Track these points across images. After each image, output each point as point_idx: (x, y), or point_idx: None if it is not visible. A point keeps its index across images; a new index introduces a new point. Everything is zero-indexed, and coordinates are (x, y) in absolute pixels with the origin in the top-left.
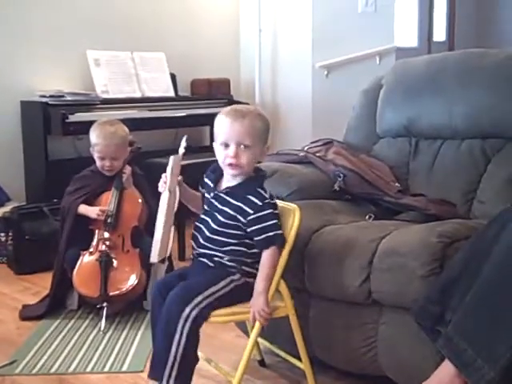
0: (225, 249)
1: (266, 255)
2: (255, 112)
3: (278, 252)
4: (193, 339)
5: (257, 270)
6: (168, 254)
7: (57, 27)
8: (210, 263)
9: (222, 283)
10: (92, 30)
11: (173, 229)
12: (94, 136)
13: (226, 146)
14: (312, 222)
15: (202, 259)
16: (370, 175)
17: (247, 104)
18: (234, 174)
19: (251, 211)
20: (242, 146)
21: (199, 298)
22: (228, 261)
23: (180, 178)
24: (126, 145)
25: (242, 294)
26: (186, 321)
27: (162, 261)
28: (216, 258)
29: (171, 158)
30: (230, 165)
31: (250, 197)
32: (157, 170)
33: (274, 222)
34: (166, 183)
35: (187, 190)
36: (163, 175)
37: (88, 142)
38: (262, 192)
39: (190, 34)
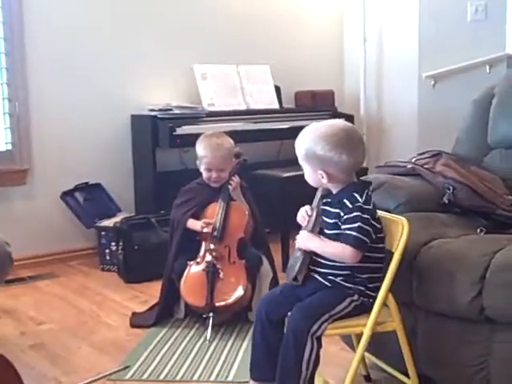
0: (337, 264)
1: (341, 244)
2: None
3: (352, 253)
4: (318, 352)
5: (372, 290)
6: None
7: (164, 43)
8: (325, 282)
9: (344, 304)
10: (198, 44)
11: None
12: (201, 148)
13: None
14: (420, 234)
15: (315, 276)
16: (480, 188)
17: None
18: None
19: (343, 214)
20: None
21: (326, 316)
22: (342, 280)
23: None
24: (231, 156)
25: (359, 312)
26: (313, 336)
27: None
28: (330, 277)
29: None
30: None
31: (345, 200)
32: (261, 181)
33: (357, 224)
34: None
35: None
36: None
37: (194, 154)
38: (357, 196)
39: (294, 46)
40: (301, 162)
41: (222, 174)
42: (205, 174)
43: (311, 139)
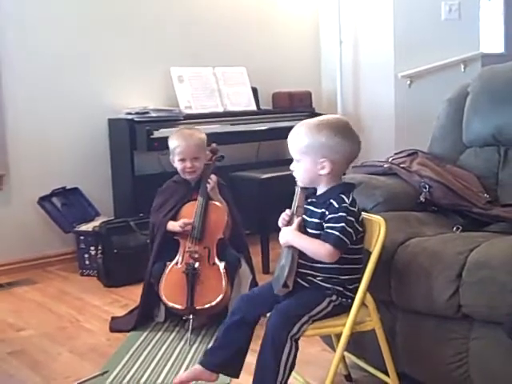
0: (317, 265)
1: (321, 242)
2: None
3: (330, 251)
4: (295, 354)
5: (351, 291)
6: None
7: (141, 47)
8: (304, 283)
9: (323, 305)
10: (175, 47)
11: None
12: (174, 140)
13: None
14: (398, 234)
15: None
16: (456, 186)
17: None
18: None
19: (328, 213)
20: None
21: (305, 318)
22: (321, 281)
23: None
24: (204, 146)
25: (338, 312)
26: (293, 338)
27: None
28: (309, 277)
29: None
30: None
31: (332, 201)
32: (239, 183)
33: (341, 225)
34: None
35: None
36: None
37: None
38: (344, 197)
39: (270, 48)
40: (298, 156)
41: (196, 163)
42: (179, 166)
43: (312, 130)
